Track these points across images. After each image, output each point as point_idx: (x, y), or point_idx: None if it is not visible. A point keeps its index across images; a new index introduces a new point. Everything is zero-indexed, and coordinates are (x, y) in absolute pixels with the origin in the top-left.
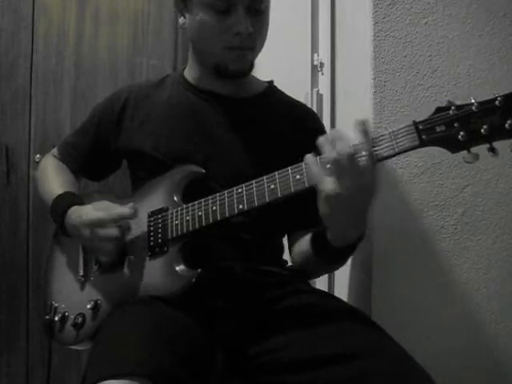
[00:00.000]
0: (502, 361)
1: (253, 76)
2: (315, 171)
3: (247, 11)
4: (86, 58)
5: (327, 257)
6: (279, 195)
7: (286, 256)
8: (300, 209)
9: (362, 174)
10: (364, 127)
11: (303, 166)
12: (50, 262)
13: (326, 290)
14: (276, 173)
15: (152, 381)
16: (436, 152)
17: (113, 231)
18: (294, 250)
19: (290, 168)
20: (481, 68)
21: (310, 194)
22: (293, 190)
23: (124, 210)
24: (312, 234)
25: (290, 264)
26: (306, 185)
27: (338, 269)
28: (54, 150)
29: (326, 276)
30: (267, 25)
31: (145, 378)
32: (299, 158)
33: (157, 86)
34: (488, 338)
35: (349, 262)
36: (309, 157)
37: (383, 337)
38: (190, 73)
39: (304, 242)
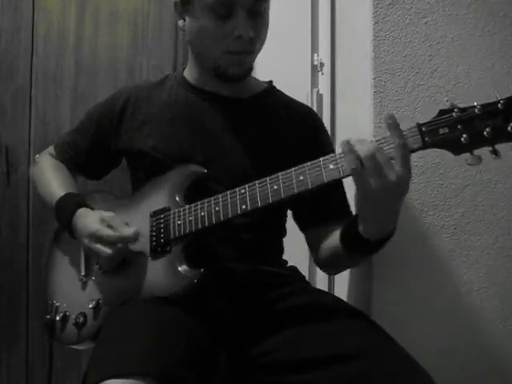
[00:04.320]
0: (501, 360)
1: (253, 76)
2: (355, 165)
3: (248, 14)
4: (85, 58)
5: (358, 250)
6: (282, 196)
7: (287, 257)
8: (318, 205)
9: (399, 166)
10: (393, 121)
11: (336, 155)
12: (50, 261)
13: (326, 290)
14: (279, 174)
15: (156, 380)
16: (436, 152)
17: (107, 250)
18: (318, 246)
19: (293, 169)
20: (481, 68)
21: (327, 190)
22: (296, 191)
23: (127, 233)
24: (342, 229)
25: (290, 264)
26: (309, 186)
27: (364, 263)
28: (51, 149)
29: (326, 276)
30: (267, 27)
31: (148, 378)
32: (300, 158)
33: (157, 86)
34: (488, 338)
35: None
36: (346, 148)
37: (383, 337)
38: (190, 73)
39: (331, 237)
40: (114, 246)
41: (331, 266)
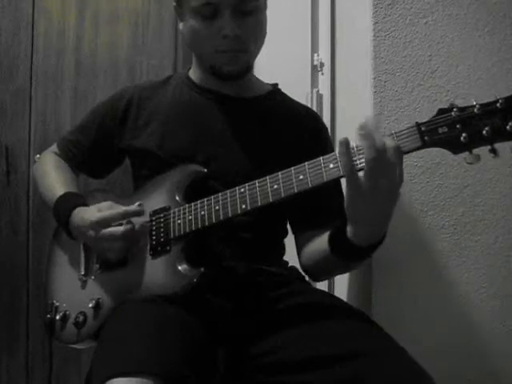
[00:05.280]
0: (501, 361)
1: (257, 78)
2: (348, 163)
3: (233, 14)
4: (85, 58)
5: (346, 256)
6: (282, 195)
7: (287, 257)
8: (311, 208)
9: (393, 170)
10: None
11: (337, 155)
12: (50, 261)
13: (326, 290)
14: (279, 173)
15: (160, 379)
16: (436, 152)
17: (117, 229)
18: (307, 250)
19: (293, 168)
20: (481, 68)
21: (321, 193)
22: (296, 190)
23: (130, 207)
24: (330, 233)
25: (291, 265)
26: (310, 185)
27: (355, 269)
28: (54, 147)
29: None
30: (260, 25)
31: (153, 376)
32: (301, 159)
33: (161, 85)
34: (488, 338)
35: None
36: (342, 147)
37: (383, 337)
38: (194, 73)
39: (319, 242)
40: (123, 223)
41: (318, 271)
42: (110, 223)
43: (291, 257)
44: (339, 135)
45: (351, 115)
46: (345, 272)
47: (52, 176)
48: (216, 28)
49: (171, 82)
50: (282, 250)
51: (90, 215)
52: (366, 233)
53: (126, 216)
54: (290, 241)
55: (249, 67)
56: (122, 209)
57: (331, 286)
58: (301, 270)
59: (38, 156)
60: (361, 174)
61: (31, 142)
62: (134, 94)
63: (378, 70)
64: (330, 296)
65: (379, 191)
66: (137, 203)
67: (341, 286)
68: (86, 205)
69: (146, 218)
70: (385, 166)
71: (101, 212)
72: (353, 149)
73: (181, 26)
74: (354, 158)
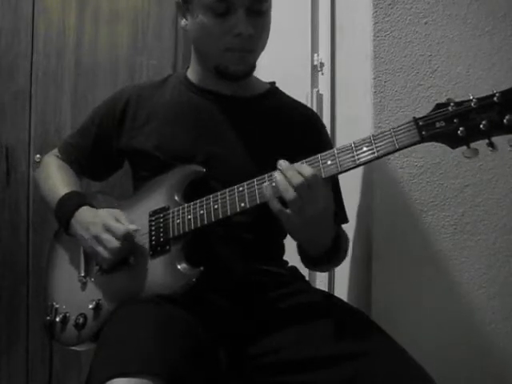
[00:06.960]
0: (501, 361)
1: (255, 77)
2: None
3: (247, 13)
4: (85, 58)
5: (310, 260)
6: None
7: (287, 257)
8: None
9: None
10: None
11: (335, 152)
12: (50, 262)
13: (326, 290)
14: (277, 170)
15: (161, 379)
16: (436, 152)
17: (115, 242)
18: None
19: None
20: (481, 68)
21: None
22: None
23: (133, 228)
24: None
25: (291, 265)
26: None
27: (337, 265)
28: (55, 151)
29: (326, 276)
30: (268, 26)
31: (154, 377)
32: (301, 158)
33: (159, 85)
34: (488, 338)
35: (349, 261)
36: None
37: (383, 337)
38: (192, 73)
39: None
40: (121, 239)
41: (310, 266)
42: (112, 233)
43: (291, 256)
44: (339, 135)
45: (351, 115)
46: (329, 268)
47: (55, 177)
48: (228, 26)
49: (169, 82)
50: (281, 249)
51: (104, 216)
52: (309, 246)
53: (127, 235)
54: (289, 241)
55: (253, 67)
56: (129, 228)
57: (331, 285)
58: (301, 270)
59: (38, 156)
60: None
61: (31, 142)
62: (133, 94)
63: (378, 70)
64: (329, 296)
65: (302, 217)
66: (134, 226)
67: (341, 286)
68: (91, 205)
69: (145, 219)
70: (303, 196)
71: (115, 219)
72: (350, 146)
73: (183, 22)
74: (352, 154)
